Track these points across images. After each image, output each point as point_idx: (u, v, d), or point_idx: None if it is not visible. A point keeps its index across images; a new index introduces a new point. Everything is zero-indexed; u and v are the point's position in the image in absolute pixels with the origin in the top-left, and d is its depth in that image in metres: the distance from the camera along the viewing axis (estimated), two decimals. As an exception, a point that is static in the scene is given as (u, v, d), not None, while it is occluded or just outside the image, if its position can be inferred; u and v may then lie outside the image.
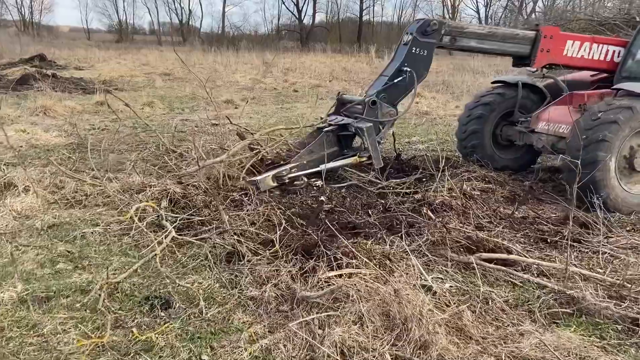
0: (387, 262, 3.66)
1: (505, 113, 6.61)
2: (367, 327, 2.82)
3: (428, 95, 14.76)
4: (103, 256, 3.93)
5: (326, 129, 5.70)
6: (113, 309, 3.14)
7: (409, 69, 5.57)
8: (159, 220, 4.46)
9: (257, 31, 62.80)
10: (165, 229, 4.29)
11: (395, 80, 5.61)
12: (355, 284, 3.15)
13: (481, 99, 6.72)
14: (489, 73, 22.98)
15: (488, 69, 24.15)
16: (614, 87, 5.63)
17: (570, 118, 5.39)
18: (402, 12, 60.38)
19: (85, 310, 3.14)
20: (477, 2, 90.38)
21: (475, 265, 3.68)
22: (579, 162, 4.38)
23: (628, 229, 4.67)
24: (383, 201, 5.10)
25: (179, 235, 4.20)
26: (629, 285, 3.33)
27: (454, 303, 3.24)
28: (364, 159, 5.58)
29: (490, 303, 3.29)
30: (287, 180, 5.27)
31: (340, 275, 3.31)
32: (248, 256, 3.71)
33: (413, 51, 5.61)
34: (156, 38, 60.71)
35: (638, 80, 5.69)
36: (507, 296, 3.40)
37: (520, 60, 6.20)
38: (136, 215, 4.37)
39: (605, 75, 6.34)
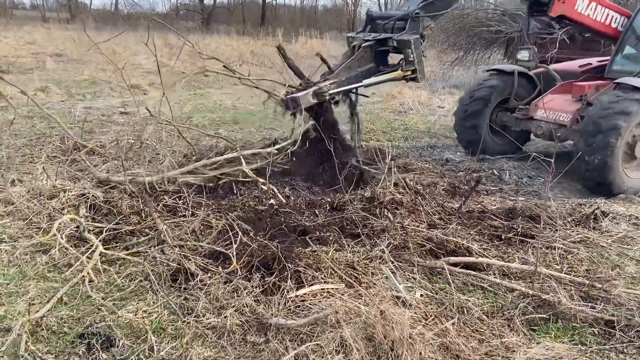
0: (354, 272, 3.37)
1: (502, 100, 6.87)
2: (352, 356, 2.51)
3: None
4: (15, 282, 3.27)
5: (364, 44, 5.43)
6: (40, 353, 2.56)
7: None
8: (81, 232, 3.82)
9: (154, 9, 59.39)
10: (89, 242, 3.68)
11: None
12: (331, 304, 2.82)
13: (484, 83, 6.97)
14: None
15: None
16: (616, 80, 5.83)
17: (570, 107, 5.90)
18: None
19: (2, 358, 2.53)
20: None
21: (446, 270, 3.49)
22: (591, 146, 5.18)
23: (571, 220, 4.72)
24: (329, 199, 4.80)
25: (108, 250, 3.61)
26: (599, 286, 3.31)
27: (431, 315, 3.03)
28: (409, 72, 5.38)
29: (466, 313, 3.11)
30: (327, 97, 5.06)
31: (315, 294, 2.96)
32: (198, 274, 3.23)
33: None
34: (40, 14, 55.39)
35: (627, 74, 6.10)
36: (481, 303, 3.25)
37: (539, 6, 6.29)
38: (55, 230, 3.69)
39: (592, 66, 6.80)
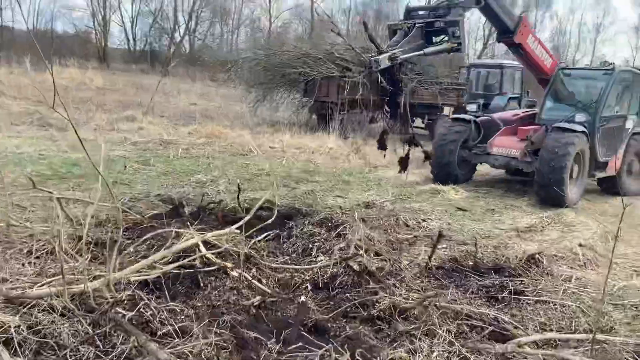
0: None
1: (463, 141, 8.72)
2: None
3: (144, 119, 13.13)
4: None
5: (417, 24, 8.51)
6: None
7: None
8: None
9: None
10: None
11: None
12: None
13: (454, 128, 8.87)
14: (176, 94, 22.36)
15: (172, 88, 23.42)
16: (554, 125, 7.98)
17: (518, 145, 8.27)
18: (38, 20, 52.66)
19: None
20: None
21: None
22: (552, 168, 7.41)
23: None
24: (307, 277, 3.98)
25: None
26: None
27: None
28: (456, 44, 8.83)
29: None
30: (398, 61, 8.15)
31: None
32: None
33: None
34: None
35: (553, 120, 8.18)
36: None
37: (504, 34, 9.48)
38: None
39: (520, 116, 9.16)
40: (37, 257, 3.64)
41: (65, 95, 17.27)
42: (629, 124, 8.86)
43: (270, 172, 8.56)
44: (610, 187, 9.04)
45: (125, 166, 7.71)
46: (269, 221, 4.87)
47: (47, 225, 4.14)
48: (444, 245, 5.43)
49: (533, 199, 8.10)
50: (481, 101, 17.13)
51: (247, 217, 4.48)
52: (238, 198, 5.45)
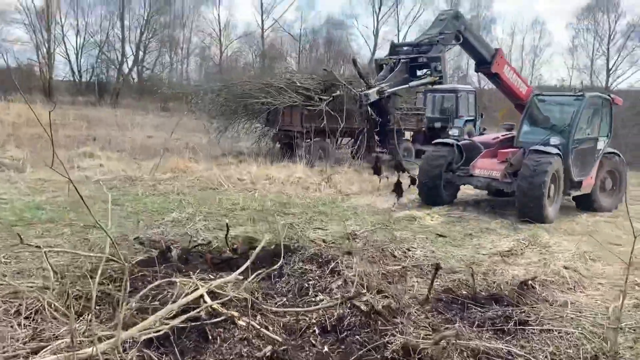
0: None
1: (447, 163, 9.28)
2: None
3: (101, 154, 12.68)
4: None
5: (402, 60, 9.47)
6: None
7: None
8: None
9: None
10: None
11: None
12: None
13: (436, 153, 9.48)
14: (131, 126, 21.82)
15: (125, 121, 22.83)
16: (531, 148, 8.56)
17: (498, 167, 8.86)
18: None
19: None
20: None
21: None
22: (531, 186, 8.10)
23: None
24: (314, 320, 3.86)
25: None
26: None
27: None
28: (438, 77, 9.93)
29: None
30: (386, 95, 9.12)
31: None
32: None
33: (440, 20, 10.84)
34: None
35: (530, 143, 8.76)
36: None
37: (482, 64, 10.90)
38: None
39: (500, 139, 9.69)
40: (27, 318, 3.36)
41: (15, 132, 16.54)
42: (600, 145, 9.49)
43: (244, 206, 8.41)
44: (585, 204, 9.66)
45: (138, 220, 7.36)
46: (270, 266, 4.74)
47: (31, 281, 3.86)
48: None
49: (505, 221, 8.32)
50: (438, 124, 17.66)
51: (248, 262, 4.30)
52: (227, 238, 5.27)
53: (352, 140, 16.02)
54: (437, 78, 9.87)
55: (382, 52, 50.75)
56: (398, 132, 14.29)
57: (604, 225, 8.67)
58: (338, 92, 13.78)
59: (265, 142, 16.49)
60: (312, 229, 7.30)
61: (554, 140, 8.67)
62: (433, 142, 10.27)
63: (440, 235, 7.25)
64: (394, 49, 10.72)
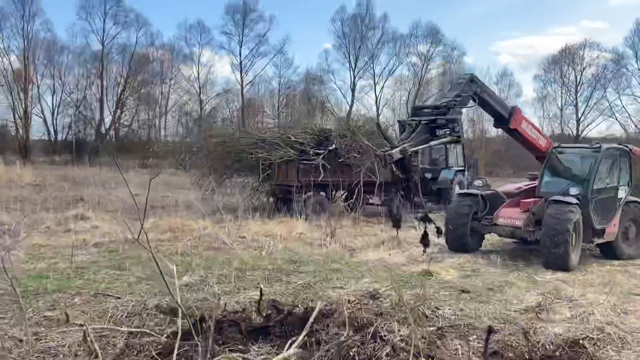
0: None
1: (473, 213, 9.76)
2: None
3: (93, 215, 12.27)
4: None
5: (423, 122, 10.41)
6: None
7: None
8: None
9: None
10: None
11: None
12: None
13: (462, 203, 9.97)
14: (114, 185, 21.37)
15: (104, 179, 22.40)
16: (551, 198, 8.86)
17: (521, 216, 9.30)
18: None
19: None
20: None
21: None
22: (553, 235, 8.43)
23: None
24: None
25: None
26: None
27: None
28: (455, 138, 10.46)
29: None
30: (409, 153, 10.18)
31: None
32: None
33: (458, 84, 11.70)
34: None
35: (551, 193, 9.12)
36: None
37: (500, 121, 11.59)
38: None
39: (523, 189, 10.20)
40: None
41: (-3, 195, 15.99)
42: (621, 194, 9.82)
43: (254, 266, 8.12)
44: (609, 252, 9.87)
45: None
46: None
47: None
48: (474, 336, 5.22)
49: (521, 273, 8.22)
50: (429, 175, 17.77)
51: (303, 334, 4.01)
52: (259, 304, 4.98)
53: (346, 193, 16.02)
54: (456, 137, 10.60)
55: (359, 105, 52.05)
56: (389, 183, 14.43)
57: (617, 274, 8.60)
58: (334, 146, 13.85)
59: (257, 196, 16.31)
60: (331, 288, 7.04)
61: (573, 190, 9.02)
62: (457, 193, 11.02)
63: (463, 291, 7.05)
64: (415, 111, 11.74)
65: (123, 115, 47.67)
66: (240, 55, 49.57)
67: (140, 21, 46.52)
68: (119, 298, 6.06)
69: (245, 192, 16.08)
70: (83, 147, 43.53)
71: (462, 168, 18.27)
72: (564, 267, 8.43)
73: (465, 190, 11.08)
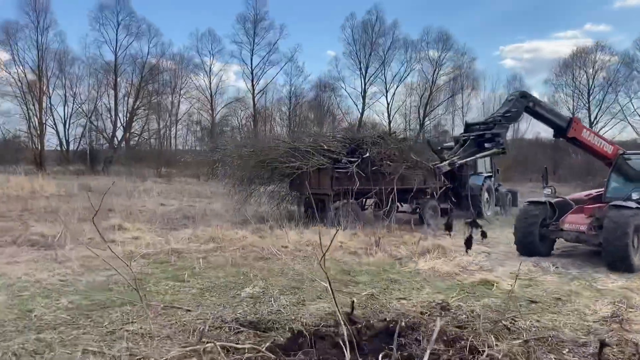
0: None
1: (541, 219, 10.16)
2: None
3: (130, 226, 12.19)
4: None
5: (471, 137, 11.84)
6: None
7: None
8: None
9: None
10: None
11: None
12: None
13: (531, 211, 10.34)
14: (137, 195, 21.32)
15: (128, 189, 22.36)
16: (611, 203, 9.22)
17: (585, 221, 9.63)
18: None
19: None
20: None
21: None
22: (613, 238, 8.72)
23: None
24: None
25: None
26: None
27: None
28: (500, 150, 11.79)
29: None
30: (457, 165, 12.14)
31: None
32: None
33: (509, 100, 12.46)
34: None
35: (617, 198, 9.52)
36: None
37: (559, 132, 11.93)
38: None
39: (593, 195, 10.64)
40: None
41: (26, 206, 15.91)
42: None
43: (309, 276, 8.00)
44: None
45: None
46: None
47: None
48: (566, 350, 5.07)
49: (582, 281, 8.06)
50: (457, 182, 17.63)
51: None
52: (350, 316, 4.85)
53: (376, 200, 15.90)
54: (500, 150, 11.62)
55: (371, 112, 51.95)
56: (419, 190, 14.43)
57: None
58: (368, 154, 13.74)
59: (284, 206, 16.20)
60: (394, 299, 6.90)
61: (635, 195, 9.61)
62: (527, 201, 11.17)
63: (532, 301, 6.90)
64: (468, 127, 12.67)
65: (133, 124, 47.81)
66: (251, 64, 49.76)
67: (152, 31, 46.80)
68: (189, 310, 5.94)
69: (274, 202, 15.98)
70: (96, 157, 43.61)
71: (490, 174, 18.15)
72: (627, 269, 8.67)
73: (533, 199, 11.28)
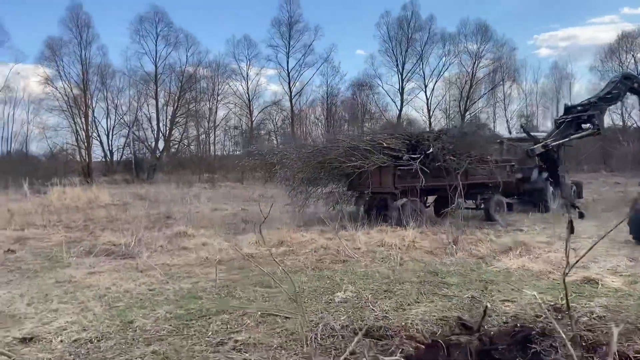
0: None
1: None
2: None
3: (195, 232, 12.07)
4: None
5: (567, 119, 13.05)
6: None
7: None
8: None
9: None
10: None
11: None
12: None
13: None
14: (188, 201, 21.35)
15: (181, 195, 22.44)
16: None
17: None
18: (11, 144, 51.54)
19: None
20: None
21: None
22: None
23: None
24: None
25: None
26: None
27: None
28: (596, 131, 13.04)
29: None
30: (550, 147, 13.24)
31: None
32: None
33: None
34: None
35: None
36: None
37: None
38: None
39: None
40: None
41: (87, 216, 16.08)
42: None
43: (398, 279, 7.62)
44: None
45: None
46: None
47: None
48: None
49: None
50: (519, 175, 16.93)
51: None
52: (481, 323, 4.46)
53: (436, 198, 15.43)
54: (596, 131, 12.11)
55: (409, 109, 51.16)
56: (484, 185, 13.96)
57: None
58: (431, 150, 13.28)
59: (340, 206, 15.85)
60: (499, 301, 6.44)
61: None
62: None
63: (651, 300, 6.35)
64: (567, 110, 13.32)
65: (173, 132, 48.46)
66: (287, 67, 49.76)
67: (190, 40, 47.35)
68: (287, 318, 5.65)
69: (331, 203, 15.64)
70: (140, 166, 44.37)
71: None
72: None
73: None
